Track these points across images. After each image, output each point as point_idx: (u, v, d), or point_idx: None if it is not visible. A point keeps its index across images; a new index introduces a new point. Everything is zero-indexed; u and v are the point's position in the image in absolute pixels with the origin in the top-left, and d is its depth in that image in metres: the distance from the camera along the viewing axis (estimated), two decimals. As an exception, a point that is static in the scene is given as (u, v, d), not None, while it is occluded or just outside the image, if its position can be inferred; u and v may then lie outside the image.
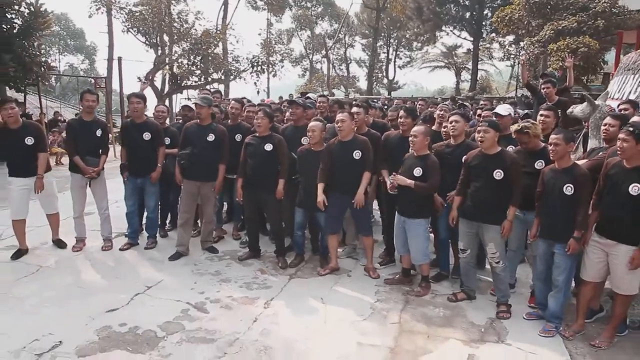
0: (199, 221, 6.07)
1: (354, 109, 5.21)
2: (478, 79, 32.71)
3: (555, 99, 6.34)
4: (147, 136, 5.42)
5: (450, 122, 4.60)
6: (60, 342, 3.54)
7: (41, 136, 5.24)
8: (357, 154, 4.74)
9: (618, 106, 5.52)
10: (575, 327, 3.89)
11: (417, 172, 4.37)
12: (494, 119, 4.79)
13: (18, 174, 5.09)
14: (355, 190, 4.74)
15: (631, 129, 3.49)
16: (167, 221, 6.38)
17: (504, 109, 5.08)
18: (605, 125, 4.21)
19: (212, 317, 4.02)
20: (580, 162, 4.11)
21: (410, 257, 4.74)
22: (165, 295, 4.39)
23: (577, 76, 14.54)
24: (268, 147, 5.00)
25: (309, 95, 8.56)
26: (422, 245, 4.54)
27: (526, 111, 7.01)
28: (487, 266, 4.57)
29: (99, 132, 5.33)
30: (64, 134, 12.05)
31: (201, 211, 5.71)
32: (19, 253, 5.25)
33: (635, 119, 3.98)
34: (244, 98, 7.82)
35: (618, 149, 3.57)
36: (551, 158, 3.88)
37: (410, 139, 4.45)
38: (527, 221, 4.26)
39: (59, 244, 5.60)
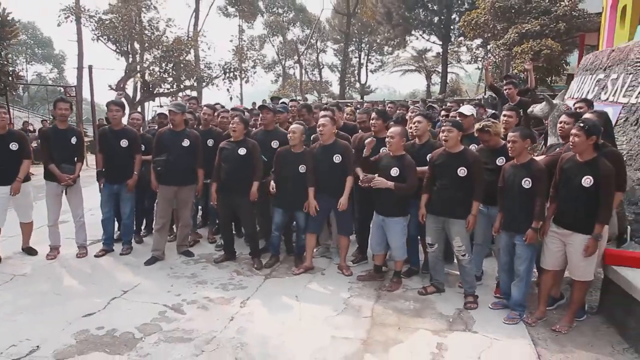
0: (174, 226, 6.13)
1: (322, 113, 5.37)
2: (448, 81, 33.30)
3: (517, 99, 6.61)
4: (124, 143, 5.47)
5: (414, 123, 4.80)
6: (38, 346, 3.57)
7: (25, 143, 5.28)
8: (337, 158, 4.90)
9: (574, 105, 5.81)
10: (537, 314, 4.10)
11: (394, 172, 4.54)
12: (458, 119, 5.01)
13: None
14: (336, 192, 4.92)
15: (582, 124, 3.73)
16: (143, 227, 6.41)
17: (467, 109, 5.32)
18: (561, 122, 4.45)
19: (189, 317, 4.10)
20: (538, 158, 4.35)
21: (383, 255, 4.93)
22: (142, 299, 4.45)
23: (541, 77, 15.05)
24: (242, 151, 5.11)
25: (283, 100, 8.72)
26: (401, 242, 4.72)
27: (493, 111, 7.28)
28: (455, 261, 4.77)
29: (74, 140, 5.35)
30: (33, 144, 11.90)
31: (176, 216, 5.77)
32: None
33: (587, 116, 4.22)
34: (217, 104, 7.91)
35: (571, 143, 3.80)
36: (510, 154, 4.10)
37: (387, 139, 4.61)
38: (490, 215, 4.46)
39: (29, 251, 5.60)
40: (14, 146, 5.11)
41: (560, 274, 4.22)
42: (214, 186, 5.29)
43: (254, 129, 5.98)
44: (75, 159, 5.41)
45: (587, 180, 3.69)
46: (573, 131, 3.77)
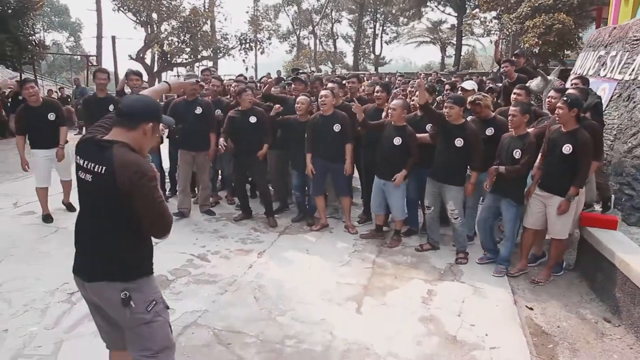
0: (196, 189, 6.73)
1: (329, 85, 5.90)
2: (463, 54, 33.24)
3: (514, 76, 6.99)
4: None
5: (415, 96, 5.28)
6: (87, 284, 4.20)
7: (61, 112, 5.85)
8: (336, 127, 5.41)
9: (572, 80, 6.20)
10: (519, 266, 4.66)
11: (397, 141, 5.03)
12: (460, 93, 5.46)
13: (42, 146, 5.71)
14: (334, 158, 5.48)
15: (565, 98, 4.20)
16: (168, 189, 7.02)
17: (469, 84, 5.77)
18: (549, 97, 4.91)
19: (213, 265, 4.72)
20: (530, 130, 4.81)
21: (383, 216, 5.48)
22: (172, 249, 5.03)
23: (553, 51, 15.23)
24: (252, 119, 5.68)
25: (302, 71, 9.23)
26: (401, 203, 5.23)
27: (490, 85, 7.66)
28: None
29: (111, 108, 5.91)
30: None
31: (197, 179, 6.37)
32: (47, 217, 5.86)
33: (570, 91, 4.67)
34: (240, 75, 8.42)
35: (556, 115, 4.28)
36: (509, 127, 4.55)
37: (389, 111, 5.10)
38: (479, 181, 4.94)
39: (70, 207, 6.23)
40: (51, 116, 5.70)
41: (542, 233, 4.72)
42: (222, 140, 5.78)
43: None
44: None
45: (567, 148, 4.17)
46: (558, 104, 4.25)
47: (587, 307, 4.08)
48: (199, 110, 5.88)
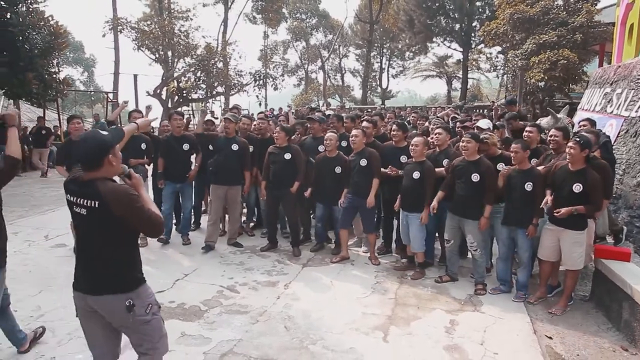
0: (221, 225, 7.00)
1: (364, 124, 6.23)
2: (468, 87, 33.82)
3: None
4: (186, 147, 6.42)
5: (435, 134, 5.57)
6: (125, 314, 4.42)
7: None
8: (363, 162, 5.71)
9: (579, 122, 6.49)
10: (538, 294, 4.88)
11: (416, 175, 5.32)
12: (476, 131, 5.75)
13: None
14: (361, 193, 5.72)
15: (578, 139, 4.45)
16: (192, 222, 7.29)
17: (484, 124, 6.06)
18: (551, 136, 5.18)
19: (243, 296, 4.93)
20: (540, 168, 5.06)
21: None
22: (201, 280, 5.30)
23: (558, 85, 15.61)
24: (287, 156, 6.02)
25: (320, 110, 9.64)
26: (419, 235, 5.45)
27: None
28: (469, 255, 5.50)
29: (143, 146, 6.26)
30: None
31: (228, 212, 6.66)
32: None
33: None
34: (261, 112, 8.82)
35: (568, 155, 4.50)
36: (513, 162, 4.84)
37: (411, 147, 5.41)
38: (492, 214, 5.15)
39: None
40: None
41: (556, 264, 4.92)
42: (264, 184, 6.21)
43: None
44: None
45: (577, 187, 4.41)
46: (570, 144, 4.48)
47: (604, 336, 4.25)
48: (235, 147, 6.21)
